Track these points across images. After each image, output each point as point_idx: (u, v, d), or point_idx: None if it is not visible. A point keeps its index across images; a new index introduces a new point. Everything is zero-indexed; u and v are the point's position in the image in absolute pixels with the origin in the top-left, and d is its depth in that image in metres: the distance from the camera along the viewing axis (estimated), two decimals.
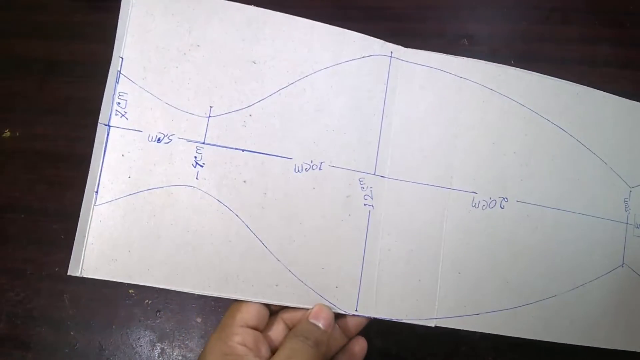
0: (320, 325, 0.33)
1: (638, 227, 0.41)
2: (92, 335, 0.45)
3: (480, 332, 0.43)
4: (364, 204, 0.36)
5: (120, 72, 0.33)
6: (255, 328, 0.33)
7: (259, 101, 0.35)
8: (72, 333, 0.45)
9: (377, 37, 0.41)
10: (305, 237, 0.35)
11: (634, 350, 0.40)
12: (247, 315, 0.33)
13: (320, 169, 0.35)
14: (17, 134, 0.52)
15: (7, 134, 0.52)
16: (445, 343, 0.44)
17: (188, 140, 0.34)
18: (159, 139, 0.33)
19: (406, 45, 0.40)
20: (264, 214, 0.34)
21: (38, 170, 0.51)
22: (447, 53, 0.41)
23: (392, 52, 0.38)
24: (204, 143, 0.34)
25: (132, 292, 0.45)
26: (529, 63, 0.49)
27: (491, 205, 0.38)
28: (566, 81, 0.40)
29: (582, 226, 0.39)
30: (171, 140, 0.33)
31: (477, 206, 0.37)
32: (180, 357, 0.44)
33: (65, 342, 0.45)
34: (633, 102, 0.42)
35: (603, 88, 0.49)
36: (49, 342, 0.45)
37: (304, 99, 0.36)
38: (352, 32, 0.37)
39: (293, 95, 0.36)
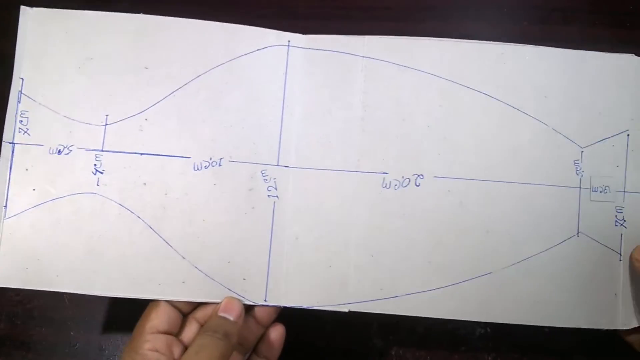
0: (229, 317, 0.34)
1: (595, 191, 0.37)
2: (92, 335, 0.45)
3: (479, 332, 0.43)
4: (268, 195, 0.36)
5: (21, 92, 0.35)
6: (167, 333, 0.34)
7: (154, 105, 0.36)
8: (72, 333, 0.45)
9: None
10: (209, 233, 0.35)
11: (600, 327, 0.37)
12: (157, 321, 0.34)
13: (220, 165, 0.36)
14: None
15: None
16: (445, 343, 0.44)
17: (87, 149, 0.35)
18: (59, 151, 0.35)
19: None
20: (166, 214, 0.35)
21: None
22: None
23: (289, 41, 0.38)
24: (102, 150, 0.35)
25: None
26: None
27: (404, 184, 0.36)
28: (488, 42, 0.38)
29: (523, 196, 0.37)
30: (71, 151, 0.35)
31: (388, 187, 0.36)
32: None
33: (65, 342, 0.45)
34: (576, 51, 0.39)
35: None
36: (49, 342, 0.45)
37: (199, 98, 0.36)
38: (246, 26, 0.37)
39: (188, 95, 0.36)
